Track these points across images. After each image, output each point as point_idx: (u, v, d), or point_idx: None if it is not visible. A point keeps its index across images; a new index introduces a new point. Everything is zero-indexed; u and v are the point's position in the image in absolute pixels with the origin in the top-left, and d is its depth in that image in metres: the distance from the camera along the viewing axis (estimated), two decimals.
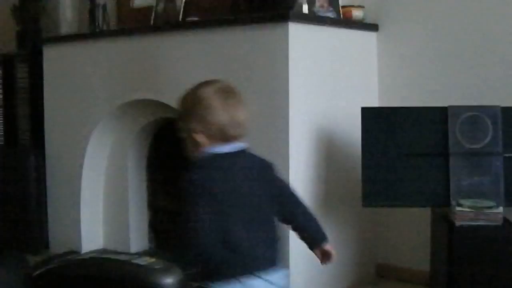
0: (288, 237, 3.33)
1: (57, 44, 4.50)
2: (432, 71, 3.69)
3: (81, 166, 4.28)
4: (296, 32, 3.33)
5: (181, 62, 3.73)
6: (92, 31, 4.38)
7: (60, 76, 4.47)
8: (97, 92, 4.20)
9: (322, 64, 3.52)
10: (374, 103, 3.81)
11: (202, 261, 2.19)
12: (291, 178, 3.33)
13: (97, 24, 4.37)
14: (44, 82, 4.57)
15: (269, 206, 2.34)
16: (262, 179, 2.35)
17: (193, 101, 2.33)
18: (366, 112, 3.25)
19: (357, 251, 3.77)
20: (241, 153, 2.33)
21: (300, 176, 3.39)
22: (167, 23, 3.94)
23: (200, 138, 2.28)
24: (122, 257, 2.08)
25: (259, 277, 2.22)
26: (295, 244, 3.35)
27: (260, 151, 3.37)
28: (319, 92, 3.50)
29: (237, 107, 2.32)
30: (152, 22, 4.08)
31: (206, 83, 2.39)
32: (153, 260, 2.04)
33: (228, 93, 2.34)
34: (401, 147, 3.18)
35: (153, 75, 3.85)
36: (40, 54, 4.61)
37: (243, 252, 2.21)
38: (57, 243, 4.47)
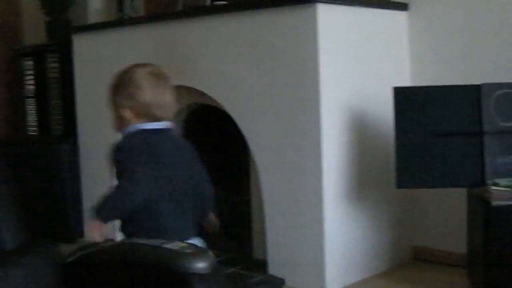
0: (322, 224, 3.33)
1: (86, 33, 4.51)
2: (465, 49, 3.62)
3: None
4: (325, 13, 3.29)
5: (210, 46, 3.71)
6: (120, 18, 4.38)
7: (90, 64, 4.47)
8: None
9: (352, 44, 3.47)
10: (406, 82, 3.75)
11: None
12: (324, 162, 3.30)
13: (125, 11, 4.36)
14: (75, 71, 4.59)
15: (189, 182, 2.55)
16: (183, 157, 2.57)
17: (126, 79, 2.54)
18: (398, 92, 3.20)
19: (392, 234, 3.72)
20: (164, 131, 2.54)
21: (333, 159, 3.36)
22: (194, 8, 3.91)
23: (127, 113, 2.49)
24: (153, 242, 2.07)
25: None
26: (330, 230, 3.34)
27: (292, 134, 3.37)
28: (349, 73, 3.46)
29: (165, 91, 2.55)
30: (179, 7, 4.06)
31: (141, 65, 2.61)
32: (184, 245, 2.02)
33: (159, 77, 2.56)
34: (435, 127, 3.13)
35: (182, 61, 3.84)
36: (69, 44, 4.62)
37: (159, 220, 2.41)
38: None
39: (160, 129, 2.50)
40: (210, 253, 1.98)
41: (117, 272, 2.03)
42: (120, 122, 2.54)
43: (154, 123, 2.49)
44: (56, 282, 2.08)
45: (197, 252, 1.94)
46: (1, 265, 1.96)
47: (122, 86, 2.53)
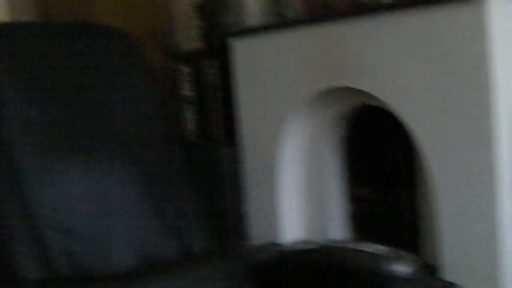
0: (498, 228, 3.19)
1: (243, 37, 4.53)
2: None
3: (277, 158, 4.31)
4: (495, 8, 3.12)
5: (374, 46, 3.64)
6: (278, 20, 4.37)
7: (249, 69, 4.50)
8: (290, 83, 4.19)
9: None
10: None
11: None
12: (499, 162, 3.16)
13: (283, 13, 4.36)
14: (234, 76, 4.62)
15: None
16: None
17: None
18: None
19: None
20: None
21: (509, 159, 3.21)
22: (358, 7, 3.84)
23: None
24: (353, 246, 2.04)
25: None
26: (507, 234, 3.21)
27: (464, 135, 3.25)
28: None
29: None
30: (340, 6, 4.01)
31: None
32: (381, 247, 1.98)
33: None
34: None
35: (345, 62, 3.79)
36: (226, 48, 4.65)
37: None
38: (256, 236, 4.52)
39: None
40: (414, 257, 1.92)
41: (313, 274, 2.01)
42: None
43: None
44: (249, 283, 2.09)
45: (400, 256, 1.89)
46: (198, 268, 1.98)
47: None
